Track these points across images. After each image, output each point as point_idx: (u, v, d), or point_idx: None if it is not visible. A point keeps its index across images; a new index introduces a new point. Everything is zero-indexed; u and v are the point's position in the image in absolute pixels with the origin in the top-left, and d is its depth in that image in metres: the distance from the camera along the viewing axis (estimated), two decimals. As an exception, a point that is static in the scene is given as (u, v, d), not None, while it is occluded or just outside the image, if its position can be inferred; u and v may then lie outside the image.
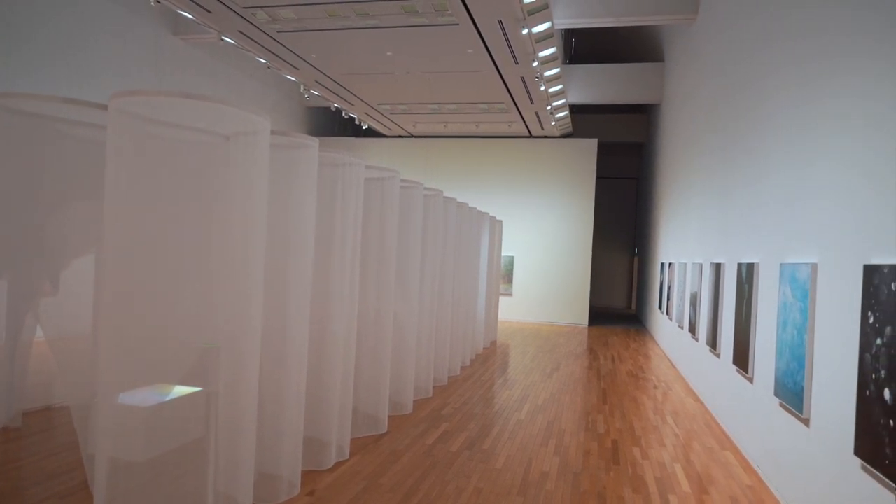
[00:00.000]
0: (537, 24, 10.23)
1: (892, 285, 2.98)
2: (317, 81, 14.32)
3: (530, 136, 18.03)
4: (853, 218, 3.61)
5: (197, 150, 4.09)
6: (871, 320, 3.19)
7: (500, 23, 10.15)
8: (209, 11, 10.34)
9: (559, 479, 4.91)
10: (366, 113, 17.07)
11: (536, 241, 17.05)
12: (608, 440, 6.01)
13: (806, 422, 4.17)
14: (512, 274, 17.09)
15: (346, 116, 17.69)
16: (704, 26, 9.68)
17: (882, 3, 3.37)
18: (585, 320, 16.62)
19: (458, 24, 10.32)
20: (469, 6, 9.56)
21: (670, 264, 11.98)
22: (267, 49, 12.14)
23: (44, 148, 4.81)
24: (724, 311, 6.90)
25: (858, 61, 3.67)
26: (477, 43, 11.16)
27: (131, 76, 11.85)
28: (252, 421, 3.81)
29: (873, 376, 3.12)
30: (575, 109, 17.25)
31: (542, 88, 13.33)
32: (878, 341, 3.09)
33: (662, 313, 12.81)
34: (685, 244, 10.51)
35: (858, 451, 3.27)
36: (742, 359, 5.90)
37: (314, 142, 4.45)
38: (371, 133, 19.81)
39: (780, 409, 4.73)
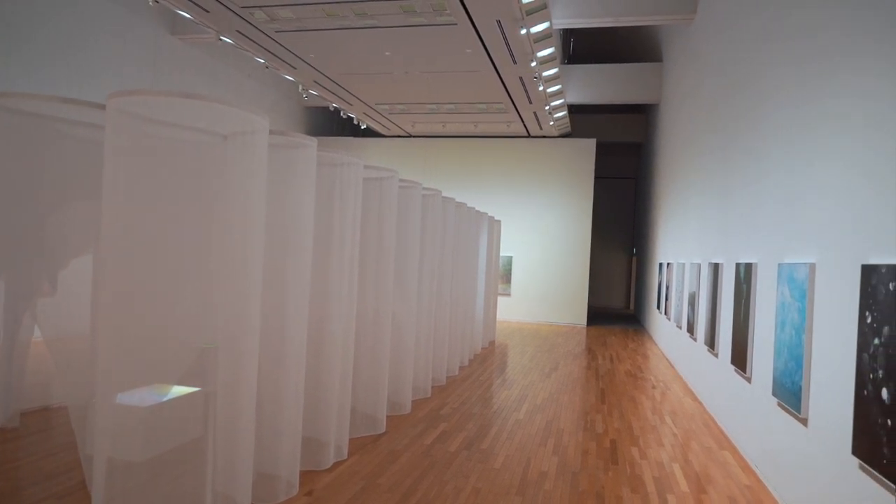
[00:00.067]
0: (536, 24, 10.24)
1: (890, 285, 2.98)
2: (315, 81, 14.32)
3: (529, 136, 18.04)
4: (851, 218, 3.61)
5: (195, 149, 4.08)
6: (869, 320, 3.19)
7: (499, 23, 10.15)
8: (207, 11, 10.33)
9: (558, 478, 4.91)
10: (364, 113, 17.07)
11: (535, 241, 17.06)
12: (606, 440, 6.02)
13: (804, 421, 4.17)
14: (510, 274, 17.10)
15: (344, 116, 17.69)
16: (703, 26, 9.69)
17: (882, 3, 3.38)
18: (584, 320, 16.63)
19: (456, 24, 10.32)
20: (467, 6, 9.56)
21: (669, 264, 12.00)
22: (265, 49, 12.13)
23: (43, 148, 4.80)
24: (723, 311, 6.91)
25: (858, 61, 3.68)
26: (475, 43, 11.16)
27: (130, 76, 11.83)
28: (250, 421, 3.81)
29: (871, 376, 3.13)
30: (573, 109, 17.27)
31: (541, 88, 13.33)
32: (876, 341, 3.09)
33: (661, 313, 12.82)
34: (684, 244, 10.52)
35: (856, 451, 3.27)
36: (740, 358, 5.91)
37: (312, 141, 4.45)
38: (369, 133, 19.81)
39: (779, 408, 4.74)
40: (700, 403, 7.83)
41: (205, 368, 3.79)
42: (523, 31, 10.32)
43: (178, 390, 4.06)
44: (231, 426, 3.72)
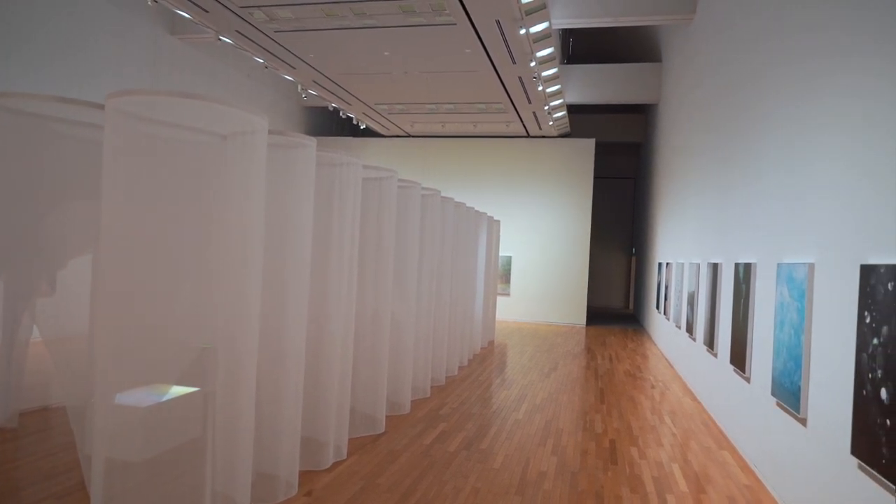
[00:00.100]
0: (535, 24, 10.24)
1: (889, 285, 2.99)
2: (314, 81, 14.31)
3: (528, 136, 18.04)
4: (850, 218, 3.61)
5: (194, 149, 4.08)
6: (868, 320, 3.19)
7: (498, 23, 10.15)
8: (206, 11, 10.32)
9: (557, 478, 4.91)
10: (363, 113, 17.07)
11: (534, 241, 17.06)
12: (606, 440, 6.02)
13: (803, 421, 4.17)
14: (510, 274, 17.10)
15: (343, 116, 17.69)
16: (702, 26, 9.70)
17: (882, 2, 3.38)
18: (583, 320, 16.63)
19: (455, 24, 10.32)
20: (466, 6, 9.56)
21: (668, 264, 12.00)
22: (264, 49, 12.13)
23: (42, 148, 4.80)
24: (722, 311, 6.91)
25: (857, 60, 3.68)
26: (475, 43, 11.16)
27: (130, 76, 11.83)
28: (250, 421, 3.80)
29: (870, 376, 3.13)
30: (572, 109, 17.27)
31: (540, 88, 13.33)
32: (875, 341, 3.10)
33: (660, 313, 12.82)
34: (683, 244, 10.52)
35: (855, 451, 3.28)
36: (739, 358, 5.91)
37: (312, 141, 4.45)
38: (369, 133, 19.81)
39: (778, 408, 4.74)
40: (699, 403, 7.84)
41: (204, 368, 3.79)
42: (522, 31, 10.32)
43: (177, 390, 4.06)
44: (230, 426, 3.72)
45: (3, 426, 5.32)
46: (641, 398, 8.02)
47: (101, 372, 3.33)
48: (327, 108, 16.85)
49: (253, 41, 11.71)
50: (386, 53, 12.13)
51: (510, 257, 17.07)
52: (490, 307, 12.69)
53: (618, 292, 23.21)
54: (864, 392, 3.18)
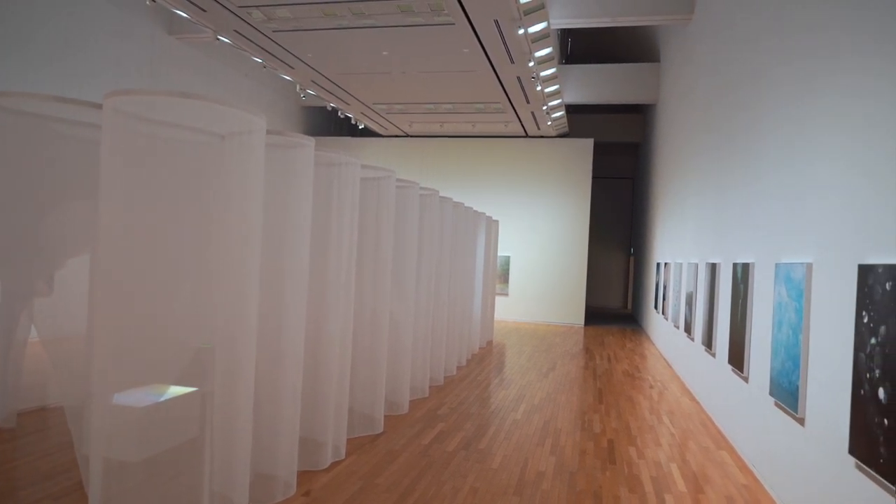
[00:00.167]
0: (533, 24, 10.24)
1: (887, 285, 2.99)
2: (313, 81, 14.30)
3: (526, 135, 18.05)
4: (849, 218, 3.62)
5: (192, 149, 4.08)
6: (866, 320, 3.20)
7: (497, 22, 10.15)
8: (204, 11, 10.31)
9: (555, 478, 4.91)
10: (362, 112, 17.06)
11: (533, 241, 17.06)
12: (604, 440, 6.02)
13: (801, 421, 4.18)
14: (508, 274, 17.10)
15: (341, 116, 17.68)
16: (700, 26, 9.70)
17: (882, 2, 3.38)
18: (581, 320, 16.64)
19: (454, 24, 10.32)
20: (465, 6, 9.56)
21: (666, 264, 12.01)
22: (262, 48, 12.12)
23: (41, 148, 4.79)
24: (720, 311, 6.92)
25: (856, 59, 3.68)
26: (473, 43, 11.16)
27: (128, 76, 11.81)
28: (248, 421, 3.80)
29: (868, 375, 3.13)
30: (571, 109, 17.27)
31: (539, 88, 13.33)
32: (873, 340, 3.10)
33: (658, 313, 12.83)
34: (681, 244, 10.53)
35: (853, 450, 3.28)
36: (737, 358, 5.92)
37: (310, 141, 4.44)
38: (367, 133, 19.79)
39: (776, 408, 4.74)
40: (697, 403, 7.84)
41: (202, 368, 3.78)
42: (521, 31, 10.32)
43: (175, 390, 4.05)
44: (228, 426, 3.72)
45: (1, 426, 5.31)
46: (640, 398, 8.02)
47: (99, 372, 3.33)
48: (326, 107, 16.84)
49: (251, 41, 11.70)
50: (384, 53, 12.12)
51: (509, 257, 17.07)
52: (488, 307, 12.69)
53: (616, 292, 23.23)
54: (862, 391, 3.19)
